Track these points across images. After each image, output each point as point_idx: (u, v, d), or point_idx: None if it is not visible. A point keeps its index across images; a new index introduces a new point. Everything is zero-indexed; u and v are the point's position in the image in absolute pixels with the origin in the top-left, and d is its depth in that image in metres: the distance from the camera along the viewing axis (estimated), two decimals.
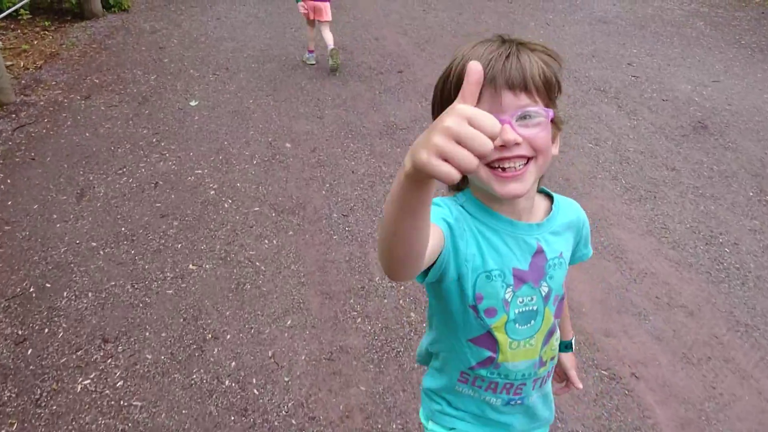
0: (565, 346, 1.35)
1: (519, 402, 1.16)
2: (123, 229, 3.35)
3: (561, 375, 1.39)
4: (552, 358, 1.18)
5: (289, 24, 7.17)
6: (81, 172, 3.90)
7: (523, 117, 0.94)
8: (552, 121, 0.98)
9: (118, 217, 3.45)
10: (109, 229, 3.34)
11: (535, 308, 1.07)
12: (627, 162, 4.12)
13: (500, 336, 1.06)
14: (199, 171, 3.93)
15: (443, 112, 0.62)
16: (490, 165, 0.94)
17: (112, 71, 5.61)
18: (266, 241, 3.25)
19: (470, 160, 0.59)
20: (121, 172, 3.92)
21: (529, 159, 0.95)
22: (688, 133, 4.55)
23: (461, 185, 1.10)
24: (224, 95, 5.12)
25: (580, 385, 1.37)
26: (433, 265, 0.95)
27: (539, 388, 1.18)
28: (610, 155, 4.20)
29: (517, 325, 1.06)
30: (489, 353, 1.08)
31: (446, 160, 0.60)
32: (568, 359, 1.38)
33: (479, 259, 1.01)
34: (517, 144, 0.92)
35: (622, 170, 4.01)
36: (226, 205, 3.57)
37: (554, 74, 0.99)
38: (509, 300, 1.04)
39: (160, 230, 3.33)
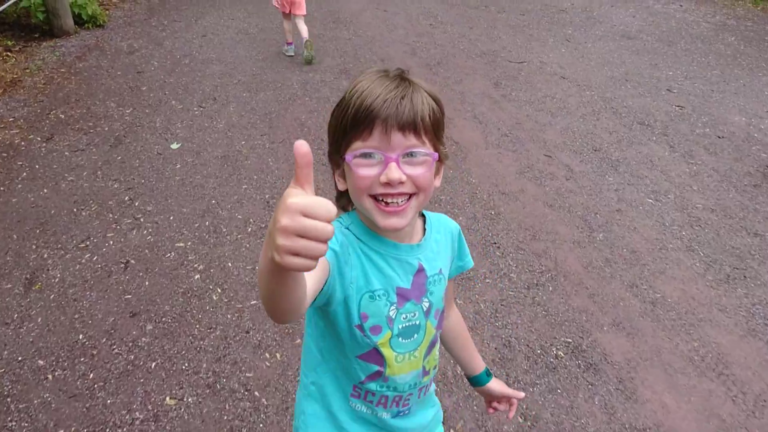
0: (486, 375, 1.37)
1: (406, 413, 1.19)
2: (81, 336, 2.55)
3: (501, 399, 1.39)
4: (434, 367, 1.21)
5: (283, 41, 6.36)
6: (33, 247, 3.10)
7: (410, 155, 0.96)
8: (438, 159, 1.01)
9: (76, 317, 2.66)
10: (63, 337, 2.54)
11: (417, 323, 1.11)
12: (699, 224, 3.38)
13: (386, 351, 1.08)
14: (181, 244, 3.14)
15: (277, 207, 0.61)
16: (374, 197, 0.97)
17: (82, 103, 4.78)
18: (267, 355, 2.48)
19: (318, 249, 0.59)
20: (84, 245, 3.12)
21: (411, 195, 0.98)
22: (759, 182, 3.82)
23: (347, 207, 1.11)
24: (211, 134, 4.32)
25: (522, 394, 1.40)
26: (320, 292, 0.93)
27: (423, 396, 1.21)
28: (677, 215, 3.47)
29: (401, 339, 1.09)
30: (377, 367, 1.09)
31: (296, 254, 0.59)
32: (496, 384, 1.38)
33: (362, 280, 1.02)
34: (401, 182, 0.95)
35: (696, 237, 3.28)
36: (214, 297, 2.79)
37: (441, 114, 1.03)
38: (393, 317, 1.07)
39: (130, 338, 2.54)
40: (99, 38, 6.35)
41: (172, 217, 3.36)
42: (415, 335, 1.11)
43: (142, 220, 3.34)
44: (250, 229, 3.27)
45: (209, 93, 5.03)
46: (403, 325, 1.08)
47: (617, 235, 3.27)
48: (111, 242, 3.15)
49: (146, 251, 3.08)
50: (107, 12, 7.12)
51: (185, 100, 4.88)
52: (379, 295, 1.03)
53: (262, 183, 3.71)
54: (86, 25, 6.56)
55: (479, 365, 1.37)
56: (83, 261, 3.00)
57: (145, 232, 3.24)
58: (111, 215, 3.38)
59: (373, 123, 0.93)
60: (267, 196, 3.57)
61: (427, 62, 5.82)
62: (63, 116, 4.55)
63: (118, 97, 4.93)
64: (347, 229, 1.05)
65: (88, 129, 4.36)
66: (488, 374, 1.38)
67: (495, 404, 1.40)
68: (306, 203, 0.59)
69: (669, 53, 6.28)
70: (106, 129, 4.37)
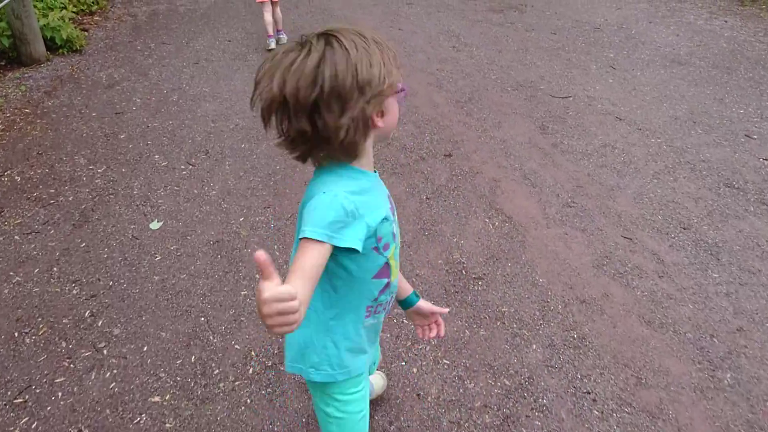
0: (415, 296, 1.59)
1: (385, 315, 1.46)
2: None
3: (429, 321, 1.62)
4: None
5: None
6: None
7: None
8: None
9: None
10: None
11: (396, 230, 1.33)
12: None
13: (392, 261, 1.32)
14: (157, 398, 2.23)
15: (257, 298, 0.82)
16: None
17: (45, 158, 3.86)
18: None
19: (295, 319, 0.84)
20: (20, 401, 2.21)
21: None
22: None
23: (318, 164, 1.27)
24: (202, 206, 3.40)
25: (446, 309, 1.66)
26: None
27: None
28: None
29: (396, 248, 1.33)
30: (386, 279, 1.32)
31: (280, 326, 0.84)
32: (424, 303, 1.59)
33: (373, 215, 1.19)
34: None
35: None
36: None
37: None
38: (395, 231, 1.31)
39: None
40: (74, 66, 5.41)
41: (146, 348, 2.45)
42: (396, 239, 1.34)
43: (105, 352, 2.43)
44: (251, 371, 2.35)
45: (200, 143, 4.10)
46: (395, 234, 1.32)
47: (749, 374, 2.37)
48: (59, 394, 2.23)
49: (106, 412, 2.17)
50: (86, 33, 6.17)
51: (171, 154, 3.95)
52: (386, 218, 1.24)
53: None
54: (60, 50, 5.62)
55: (408, 288, 1.58)
56: None
57: (108, 375, 2.32)
58: (64, 344, 2.46)
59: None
60: None
61: (457, 98, 4.89)
62: (19, 179, 3.63)
63: (90, 149, 4.01)
64: (347, 194, 1.12)
65: (48, 199, 3.44)
66: (416, 295, 1.59)
67: (425, 328, 1.62)
68: (275, 294, 0.81)
69: (731, 84, 5.36)
70: (71, 199, 3.45)
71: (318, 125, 1.09)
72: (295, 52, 1.08)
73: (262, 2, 5.72)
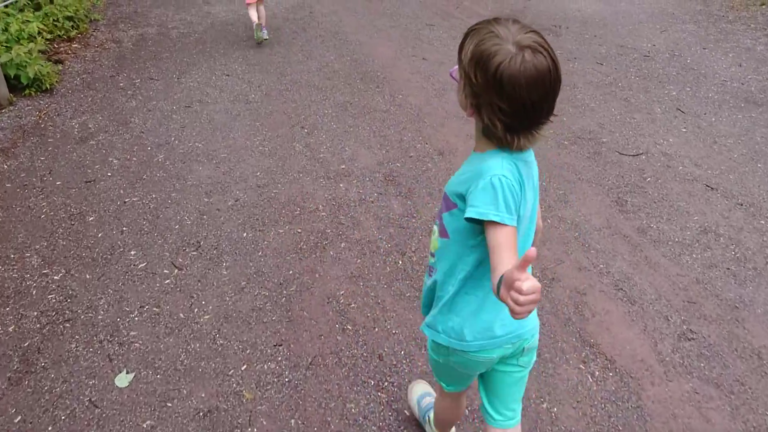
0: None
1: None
2: None
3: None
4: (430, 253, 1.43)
5: (299, 112, 4.47)
6: None
7: None
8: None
9: None
10: None
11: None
12: None
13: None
14: None
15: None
16: None
17: None
18: None
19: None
20: None
21: None
22: None
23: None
24: (189, 346, 2.44)
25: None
26: None
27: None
28: None
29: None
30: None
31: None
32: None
33: None
34: None
35: None
36: None
37: None
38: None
39: None
40: (42, 112, 4.44)
41: None
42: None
43: None
44: None
45: (190, 230, 3.14)
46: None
47: None
48: None
49: None
50: (60, 67, 5.19)
51: (152, 249, 2.99)
52: None
53: None
54: (27, 91, 4.65)
55: None
56: None
57: None
58: None
59: None
60: None
61: None
62: None
63: (47, 239, 3.05)
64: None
65: None
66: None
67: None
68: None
69: None
70: (11, 329, 2.49)
71: None
72: None
73: (249, 3, 5.61)
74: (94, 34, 6.24)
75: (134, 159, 3.84)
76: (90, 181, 3.58)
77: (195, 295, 2.68)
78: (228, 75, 5.23)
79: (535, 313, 1.34)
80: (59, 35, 5.80)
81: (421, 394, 2.00)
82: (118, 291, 2.71)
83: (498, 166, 1.14)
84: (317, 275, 2.80)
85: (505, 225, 1.08)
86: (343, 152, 3.92)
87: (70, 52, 5.59)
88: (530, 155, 1.24)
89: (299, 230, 3.13)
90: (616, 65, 5.70)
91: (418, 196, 3.45)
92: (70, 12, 5.99)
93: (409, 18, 7.12)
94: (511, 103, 1.07)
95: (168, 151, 3.94)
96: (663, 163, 3.91)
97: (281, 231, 3.13)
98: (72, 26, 6.03)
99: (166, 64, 5.45)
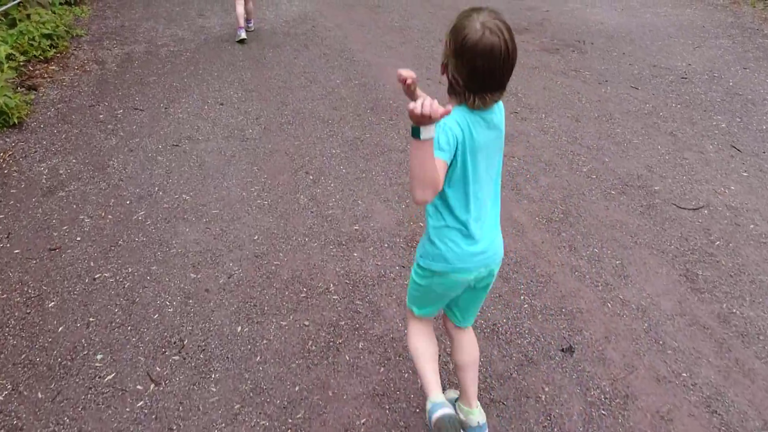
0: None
1: None
2: None
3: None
4: None
5: (303, 152, 3.85)
6: None
7: None
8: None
9: None
10: None
11: None
12: None
13: None
14: None
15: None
16: None
17: None
18: None
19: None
20: None
21: None
22: None
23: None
24: None
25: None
26: None
27: None
28: None
29: None
30: None
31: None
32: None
33: None
34: None
35: None
36: None
37: None
38: None
39: None
40: (7, 153, 3.81)
41: None
42: None
43: None
44: None
45: (172, 324, 2.51)
46: None
47: None
48: None
49: None
50: (34, 95, 4.55)
51: (123, 353, 2.36)
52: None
53: None
54: None
55: None
56: None
57: None
58: None
59: None
60: None
61: (548, 213, 3.31)
62: None
63: None
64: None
65: None
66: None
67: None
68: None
69: None
70: None
71: None
72: None
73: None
74: (75, 53, 5.59)
75: (110, 217, 3.21)
76: (54, 249, 2.95)
77: (175, 427, 2.06)
78: (222, 104, 4.59)
79: (501, 244, 1.65)
80: (35, 56, 5.16)
81: None
82: (76, 419, 2.09)
83: (450, 116, 1.36)
84: (330, 393, 2.18)
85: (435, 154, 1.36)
86: (355, 207, 3.30)
87: (46, 75, 4.95)
88: (491, 117, 1.47)
89: (306, 322, 2.51)
90: (653, 89, 5.08)
91: None
92: (48, 29, 5.34)
93: (419, 32, 6.49)
94: (468, 66, 1.35)
95: (150, 205, 3.31)
96: (730, 219, 3.29)
97: (284, 324, 2.50)
98: (50, 45, 5.38)
99: (153, 90, 4.81)
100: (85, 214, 3.23)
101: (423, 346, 1.78)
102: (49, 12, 5.63)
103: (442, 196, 1.49)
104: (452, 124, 1.39)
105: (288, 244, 3.01)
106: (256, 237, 3.06)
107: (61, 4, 6.85)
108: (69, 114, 4.36)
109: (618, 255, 2.98)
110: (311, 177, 3.60)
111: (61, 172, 3.63)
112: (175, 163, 3.73)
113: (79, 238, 3.04)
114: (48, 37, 5.35)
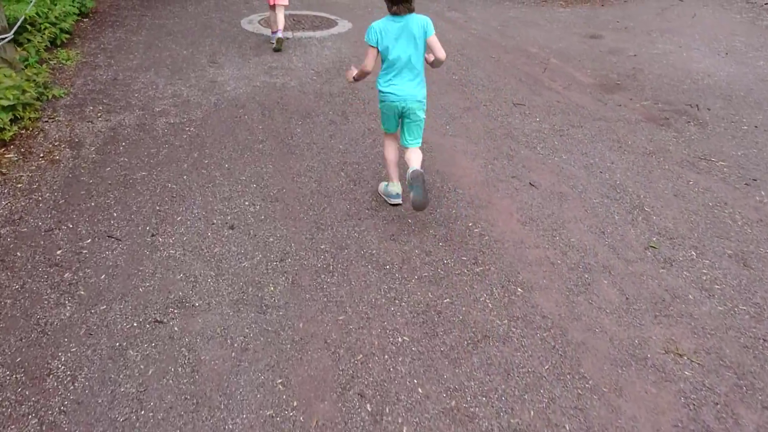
0: None
1: None
2: None
3: None
4: None
5: (351, 344, 2.37)
6: None
7: None
8: None
9: None
10: None
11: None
12: None
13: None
14: None
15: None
16: None
17: None
18: None
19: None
20: None
21: None
22: None
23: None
24: None
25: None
26: None
27: None
28: None
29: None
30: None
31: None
32: None
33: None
34: None
35: None
36: None
37: None
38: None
39: None
40: None
41: None
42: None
43: None
44: None
45: None
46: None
47: None
48: None
49: None
50: None
51: None
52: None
53: None
54: None
55: None
56: None
57: None
58: None
59: None
60: None
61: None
62: None
63: None
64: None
65: None
66: None
67: None
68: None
69: None
70: None
71: None
72: None
73: (272, 5, 5.70)
74: (46, 128, 4.16)
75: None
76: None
77: None
78: (232, 227, 3.13)
79: (414, 92, 3.00)
80: None
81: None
82: None
83: (375, 22, 2.87)
84: None
85: (368, 45, 2.90)
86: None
87: None
88: (403, 20, 2.85)
89: None
90: (676, 130, 3.56)
91: None
92: (9, 98, 3.92)
93: (484, 90, 4.98)
94: None
95: (138, 316, 1.86)
96: None
97: None
98: (11, 120, 3.96)
99: (141, 196, 3.37)
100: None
101: (389, 152, 3.22)
102: (16, 73, 4.20)
103: (382, 64, 2.95)
104: (376, 27, 2.85)
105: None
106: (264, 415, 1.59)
107: (46, 47, 5.44)
108: (13, 249, 2.93)
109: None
110: (369, 406, 2.13)
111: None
112: (155, 368, 2.28)
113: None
114: (9, 109, 3.93)
